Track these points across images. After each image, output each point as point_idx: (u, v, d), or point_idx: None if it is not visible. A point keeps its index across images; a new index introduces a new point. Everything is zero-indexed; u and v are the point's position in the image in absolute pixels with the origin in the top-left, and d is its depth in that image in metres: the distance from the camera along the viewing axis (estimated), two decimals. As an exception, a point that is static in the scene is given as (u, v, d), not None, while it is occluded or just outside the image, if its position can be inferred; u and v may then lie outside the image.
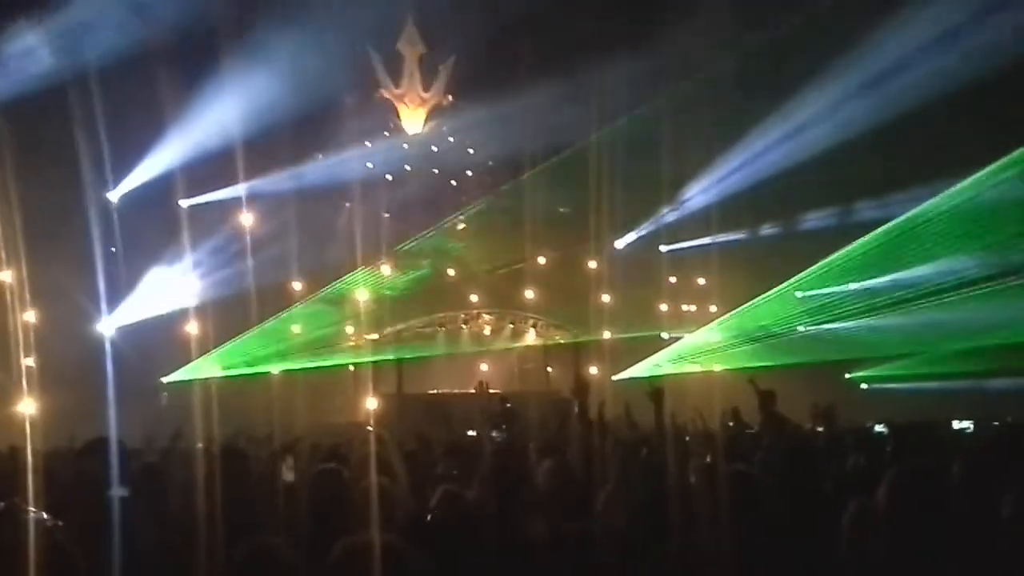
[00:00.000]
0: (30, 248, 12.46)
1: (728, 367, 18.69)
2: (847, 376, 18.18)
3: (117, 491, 4.57)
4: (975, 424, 12.42)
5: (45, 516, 3.75)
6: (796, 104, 15.75)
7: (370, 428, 9.38)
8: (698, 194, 18.61)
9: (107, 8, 13.29)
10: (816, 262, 16.73)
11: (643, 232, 20.44)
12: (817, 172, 15.87)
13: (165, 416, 13.36)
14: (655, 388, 6.70)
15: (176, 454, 6.49)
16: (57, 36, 13.16)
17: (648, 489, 5.09)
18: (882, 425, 10.67)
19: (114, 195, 15.76)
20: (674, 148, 16.73)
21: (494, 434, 9.88)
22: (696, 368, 19.46)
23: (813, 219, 18.44)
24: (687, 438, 7.55)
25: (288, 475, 6.13)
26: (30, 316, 13.19)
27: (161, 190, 15.68)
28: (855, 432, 8.50)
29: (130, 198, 15.75)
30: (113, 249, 14.82)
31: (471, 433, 11.01)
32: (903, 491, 3.96)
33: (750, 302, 17.88)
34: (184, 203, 15.81)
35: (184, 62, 14.59)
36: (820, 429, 10.18)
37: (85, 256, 13.32)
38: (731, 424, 11.07)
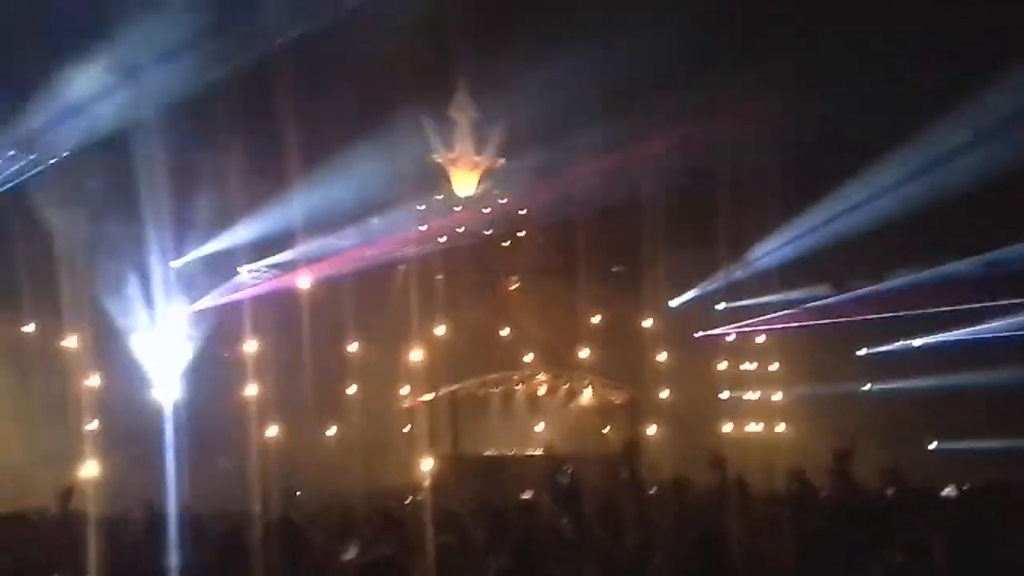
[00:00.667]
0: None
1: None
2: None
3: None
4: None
5: None
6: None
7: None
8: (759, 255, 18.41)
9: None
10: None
11: (699, 290, 20.22)
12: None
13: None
14: (717, 457, 6.54)
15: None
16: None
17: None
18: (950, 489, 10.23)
19: (176, 263, 16.14)
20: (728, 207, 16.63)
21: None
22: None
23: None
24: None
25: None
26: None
27: (222, 256, 16.02)
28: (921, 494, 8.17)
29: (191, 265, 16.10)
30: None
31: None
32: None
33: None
34: (242, 269, 16.10)
35: (242, 132, 14.98)
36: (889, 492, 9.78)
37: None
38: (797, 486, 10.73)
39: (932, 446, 17.33)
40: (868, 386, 18.08)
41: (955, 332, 16.77)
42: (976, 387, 15.95)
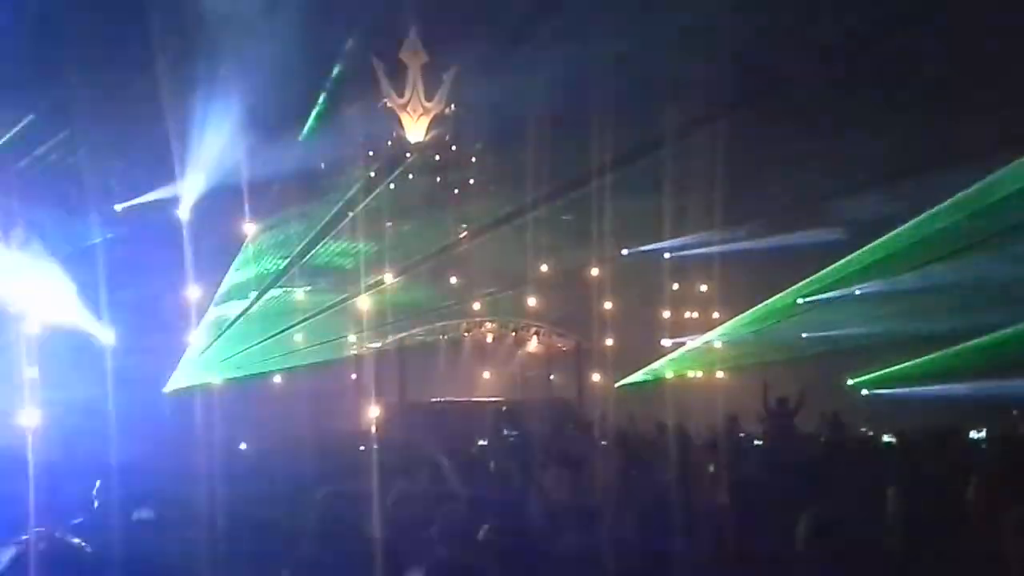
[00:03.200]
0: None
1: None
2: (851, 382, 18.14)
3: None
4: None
5: (77, 541, 3.76)
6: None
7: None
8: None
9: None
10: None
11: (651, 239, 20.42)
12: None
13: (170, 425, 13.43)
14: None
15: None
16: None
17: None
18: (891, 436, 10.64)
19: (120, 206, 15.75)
20: (676, 156, 16.73)
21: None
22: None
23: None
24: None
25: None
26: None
27: (161, 201, 15.67)
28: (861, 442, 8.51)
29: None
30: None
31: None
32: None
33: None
34: (181, 213, 15.75)
35: (178, 71, 14.53)
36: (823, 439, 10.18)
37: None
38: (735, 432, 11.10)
39: (864, 392, 17.96)
40: (805, 333, 18.59)
41: (892, 280, 17.25)
42: (909, 333, 16.49)
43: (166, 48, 13.64)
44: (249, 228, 17.72)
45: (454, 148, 21.45)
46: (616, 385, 19.37)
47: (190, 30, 14.10)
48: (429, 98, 21.50)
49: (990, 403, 14.37)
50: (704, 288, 20.84)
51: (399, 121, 21.45)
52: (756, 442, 11.13)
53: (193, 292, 15.96)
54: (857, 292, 18.14)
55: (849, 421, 12.27)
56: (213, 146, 15.35)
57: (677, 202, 18.20)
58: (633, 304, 20.04)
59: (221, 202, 16.70)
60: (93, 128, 13.83)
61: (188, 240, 15.33)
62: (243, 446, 11.03)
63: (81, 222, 14.28)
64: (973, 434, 11.53)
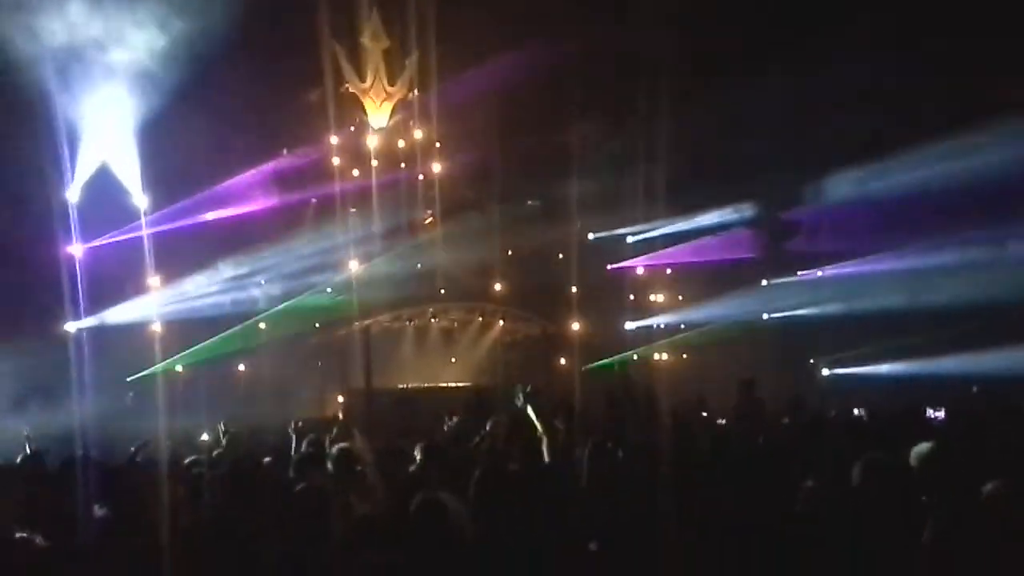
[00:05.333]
0: None
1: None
2: (812, 362, 18.43)
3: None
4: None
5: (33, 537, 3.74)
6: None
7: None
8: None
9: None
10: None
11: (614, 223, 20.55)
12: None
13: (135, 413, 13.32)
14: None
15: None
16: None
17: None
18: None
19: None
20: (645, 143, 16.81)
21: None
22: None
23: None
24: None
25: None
26: None
27: (119, 188, 15.45)
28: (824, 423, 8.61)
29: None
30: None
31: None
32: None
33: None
34: (142, 201, 15.56)
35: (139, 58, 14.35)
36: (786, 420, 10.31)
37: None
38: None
39: (825, 372, 18.24)
40: (766, 315, 18.82)
41: (852, 264, 17.55)
42: (869, 314, 16.75)
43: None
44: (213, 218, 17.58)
45: (417, 134, 21.34)
46: (583, 369, 19.46)
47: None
48: (392, 83, 21.38)
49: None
50: (669, 272, 21.00)
51: (361, 106, 21.31)
52: (720, 421, 11.25)
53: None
54: (819, 273, 18.47)
55: (811, 401, 12.44)
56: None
57: (641, 185, 18.30)
58: (599, 288, 20.14)
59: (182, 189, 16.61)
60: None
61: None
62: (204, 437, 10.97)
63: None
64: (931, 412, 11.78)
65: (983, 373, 13.42)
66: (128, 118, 14.37)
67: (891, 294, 15.96)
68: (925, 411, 10.99)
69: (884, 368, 16.66)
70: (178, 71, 15.10)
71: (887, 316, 15.95)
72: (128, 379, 15.77)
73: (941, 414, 11.94)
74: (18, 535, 3.71)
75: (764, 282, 18.86)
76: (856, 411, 11.01)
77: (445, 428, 9.62)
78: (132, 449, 6.66)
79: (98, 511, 4.79)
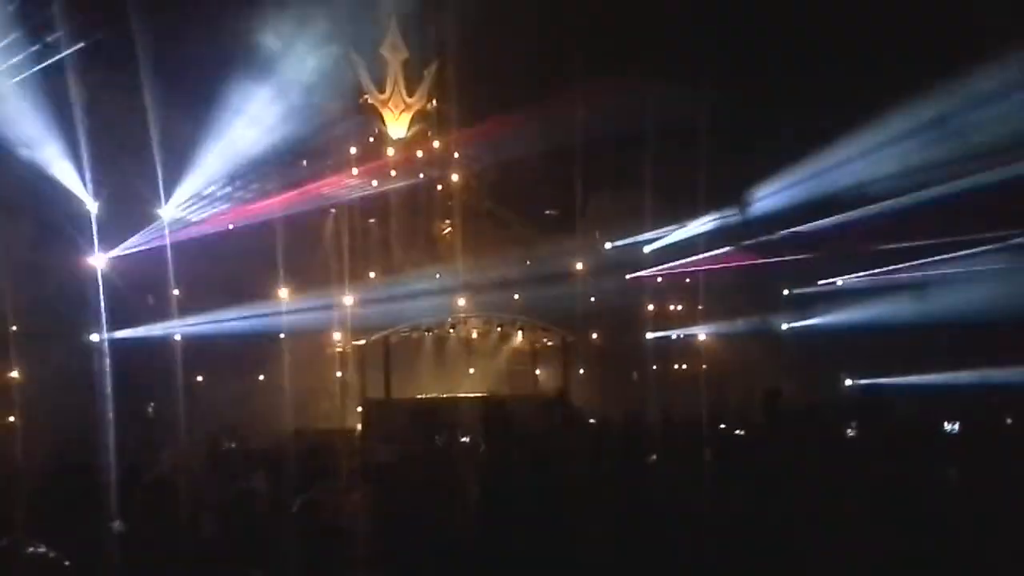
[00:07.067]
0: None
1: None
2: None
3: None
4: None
5: (45, 550, 3.74)
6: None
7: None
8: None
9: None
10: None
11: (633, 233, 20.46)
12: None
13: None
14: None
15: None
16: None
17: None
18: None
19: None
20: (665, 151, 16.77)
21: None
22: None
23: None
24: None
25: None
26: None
27: (141, 198, 15.61)
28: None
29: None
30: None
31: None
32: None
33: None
34: (163, 211, 15.73)
35: (164, 68, 14.52)
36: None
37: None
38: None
39: (847, 383, 18.04)
40: (787, 324, 18.68)
41: (872, 272, 17.41)
42: (892, 325, 16.58)
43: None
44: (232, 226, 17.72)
45: (436, 144, 21.41)
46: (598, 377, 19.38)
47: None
48: (410, 94, 21.48)
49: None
50: (688, 281, 20.89)
51: (380, 117, 21.43)
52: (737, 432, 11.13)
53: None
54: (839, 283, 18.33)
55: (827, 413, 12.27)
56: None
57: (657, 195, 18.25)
58: (617, 297, 20.06)
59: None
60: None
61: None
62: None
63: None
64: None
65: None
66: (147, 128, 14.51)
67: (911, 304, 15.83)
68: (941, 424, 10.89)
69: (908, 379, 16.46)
70: (193, 82, 15.32)
71: (910, 326, 15.79)
72: (149, 389, 15.88)
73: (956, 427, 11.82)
74: (29, 549, 3.72)
75: (786, 291, 18.73)
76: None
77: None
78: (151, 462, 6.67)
79: (117, 526, 4.80)
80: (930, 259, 16.09)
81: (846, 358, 17.65)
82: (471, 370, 20.21)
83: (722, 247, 19.17)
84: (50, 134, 13.37)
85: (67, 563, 3.80)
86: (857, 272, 17.76)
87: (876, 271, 17.34)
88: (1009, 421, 9.78)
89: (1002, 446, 6.49)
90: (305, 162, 19.88)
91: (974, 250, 15.12)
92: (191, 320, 16.22)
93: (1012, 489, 4.00)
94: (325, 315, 18.12)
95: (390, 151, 21.30)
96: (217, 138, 16.03)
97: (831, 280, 18.51)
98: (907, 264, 16.75)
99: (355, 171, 20.62)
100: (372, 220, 20.18)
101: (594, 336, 19.83)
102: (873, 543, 4.00)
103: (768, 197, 17.67)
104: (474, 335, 20.13)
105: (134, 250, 15.72)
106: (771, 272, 18.78)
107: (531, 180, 19.33)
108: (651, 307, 20.74)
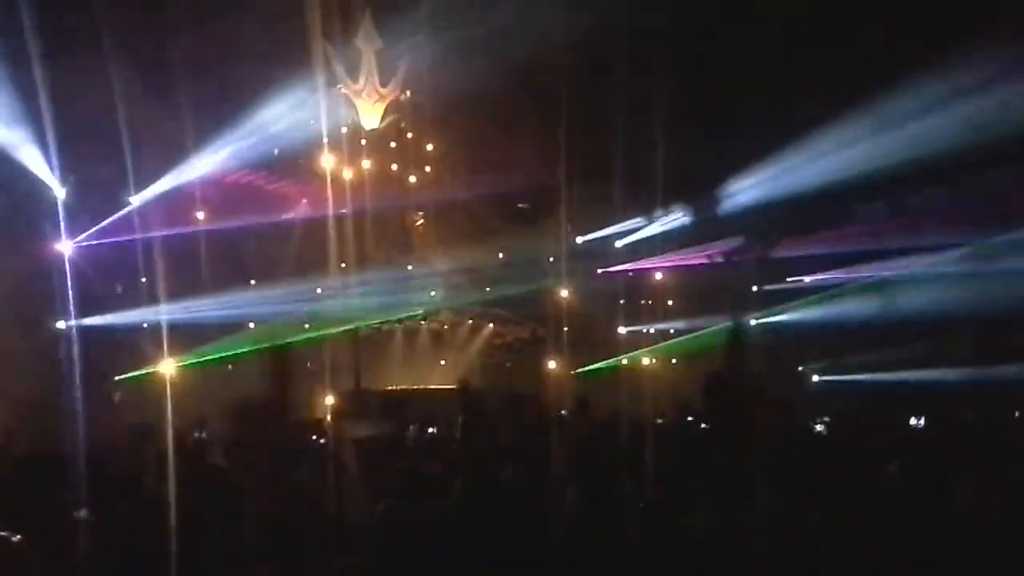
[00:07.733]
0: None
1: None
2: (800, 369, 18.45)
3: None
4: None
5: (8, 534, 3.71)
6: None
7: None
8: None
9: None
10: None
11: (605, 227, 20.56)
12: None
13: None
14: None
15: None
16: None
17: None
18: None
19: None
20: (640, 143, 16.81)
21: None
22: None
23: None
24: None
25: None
26: None
27: (110, 184, 15.39)
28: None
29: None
30: None
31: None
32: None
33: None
34: (134, 198, 15.53)
35: (136, 55, 14.35)
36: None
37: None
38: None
39: (815, 379, 18.28)
40: (754, 321, 18.84)
41: (839, 271, 17.64)
42: (859, 323, 16.81)
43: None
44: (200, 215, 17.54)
45: (409, 136, 21.33)
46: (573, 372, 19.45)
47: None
48: (384, 84, 21.37)
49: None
50: (659, 277, 21.02)
51: (354, 107, 21.30)
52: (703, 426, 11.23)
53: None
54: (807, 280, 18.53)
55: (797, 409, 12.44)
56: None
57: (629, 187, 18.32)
58: (589, 291, 20.14)
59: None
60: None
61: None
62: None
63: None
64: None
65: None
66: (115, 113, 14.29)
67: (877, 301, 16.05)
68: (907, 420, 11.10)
69: (872, 377, 16.71)
70: (166, 71, 15.13)
71: (876, 324, 16.02)
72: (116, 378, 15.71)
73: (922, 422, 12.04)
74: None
75: (754, 288, 18.90)
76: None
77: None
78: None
79: (82, 513, 4.77)
80: (893, 259, 16.35)
81: (816, 355, 17.90)
82: (442, 362, 20.24)
83: (691, 244, 19.37)
84: (15, 118, 13.15)
85: (32, 548, 3.76)
86: (825, 271, 17.98)
87: (842, 270, 17.57)
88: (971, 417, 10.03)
89: (964, 440, 6.64)
90: (276, 151, 19.72)
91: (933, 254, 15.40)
92: (160, 309, 16.04)
93: (976, 483, 4.09)
94: (295, 306, 17.99)
95: (363, 142, 21.19)
96: (188, 125, 15.86)
97: (798, 278, 18.73)
98: (871, 263, 17.03)
99: (326, 160, 20.49)
100: (344, 211, 20.08)
101: (565, 330, 19.89)
102: (847, 539, 4.08)
103: (737, 195, 17.87)
104: (445, 327, 20.15)
105: (105, 241, 15.52)
106: (740, 269, 18.96)
107: (506, 173, 19.32)
108: (622, 301, 20.84)
